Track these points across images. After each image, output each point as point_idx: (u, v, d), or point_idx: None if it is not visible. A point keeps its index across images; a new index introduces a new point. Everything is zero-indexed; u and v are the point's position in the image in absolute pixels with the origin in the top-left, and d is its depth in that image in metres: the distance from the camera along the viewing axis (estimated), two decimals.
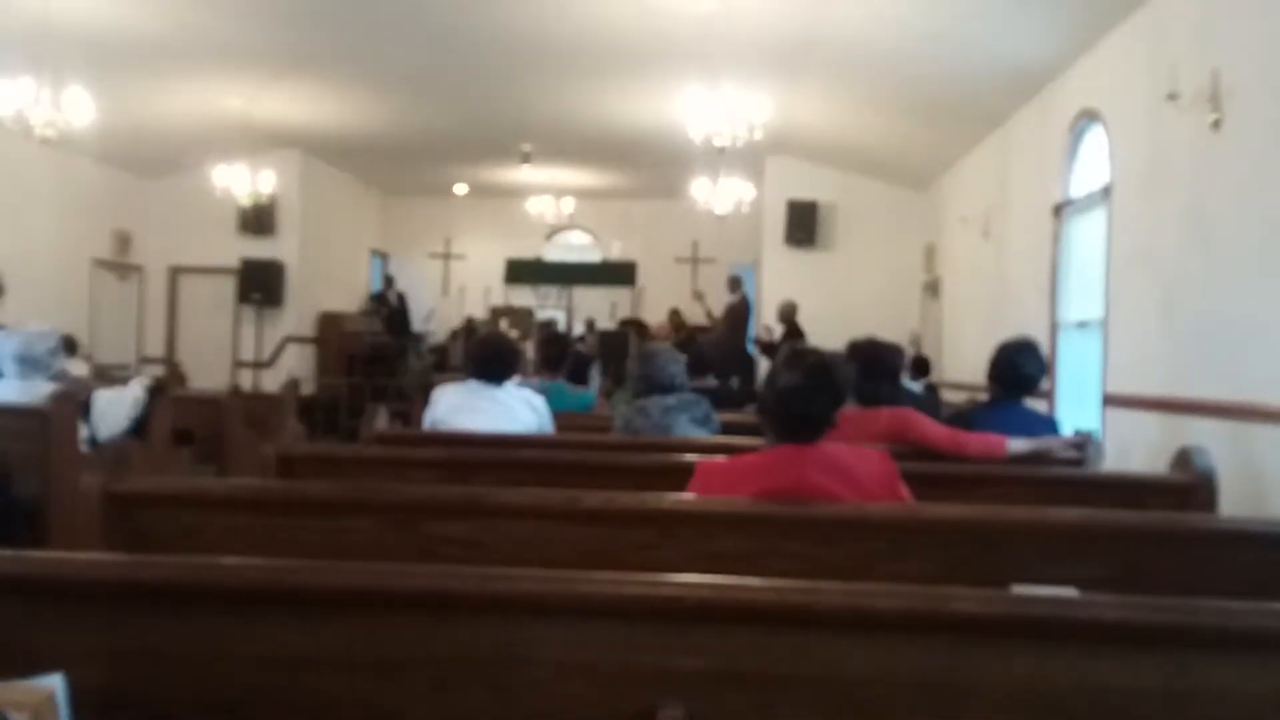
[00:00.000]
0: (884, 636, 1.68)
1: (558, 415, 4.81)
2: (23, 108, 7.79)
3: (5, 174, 10.44)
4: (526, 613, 1.73)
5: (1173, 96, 5.51)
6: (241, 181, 11.82)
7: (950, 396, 9.17)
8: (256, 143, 11.78)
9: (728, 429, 4.57)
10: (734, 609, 1.72)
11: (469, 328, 14.55)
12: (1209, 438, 4.79)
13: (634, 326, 14.61)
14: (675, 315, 14.51)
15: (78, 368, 9.14)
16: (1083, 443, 3.85)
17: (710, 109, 7.89)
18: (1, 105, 7.79)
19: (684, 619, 1.71)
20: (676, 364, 4.51)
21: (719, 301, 13.10)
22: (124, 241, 13.01)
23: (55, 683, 1.45)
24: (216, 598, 1.78)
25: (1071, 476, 3.60)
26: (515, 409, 4.48)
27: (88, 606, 1.78)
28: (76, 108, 8.01)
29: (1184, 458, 3.23)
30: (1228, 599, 1.86)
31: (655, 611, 1.71)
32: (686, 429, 4.32)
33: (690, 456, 3.35)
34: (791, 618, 1.70)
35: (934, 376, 10.41)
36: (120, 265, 13.06)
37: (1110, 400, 6.68)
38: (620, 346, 12.56)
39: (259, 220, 13.26)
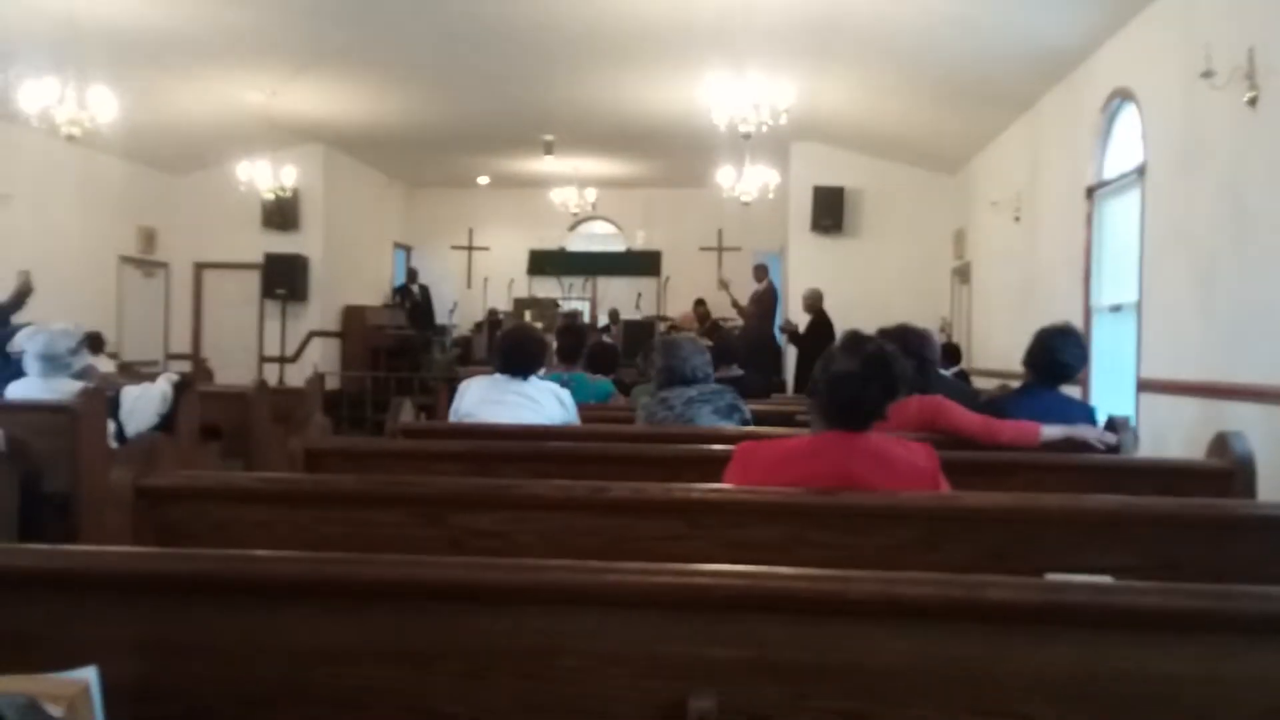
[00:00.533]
0: (918, 625, 1.66)
1: (578, 405, 4.81)
2: (48, 106, 7.83)
3: (31, 172, 10.53)
4: (558, 603, 1.72)
5: (1207, 74, 5.43)
6: (264, 176, 11.87)
7: (981, 384, 9.10)
8: (279, 137, 11.84)
9: (756, 419, 4.54)
10: (765, 598, 1.70)
11: (492, 320, 14.57)
12: (1247, 422, 4.73)
13: (659, 319, 14.60)
14: (700, 305, 14.48)
15: (105, 364, 9.20)
16: (1119, 429, 3.80)
17: (734, 96, 7.84)
18: (27, 104, 7.85)
19: (715, 608, 1.69)
20: (700, 355, 4.48)
21: (745, 290, 13.04)
22: (149, 238, 13.10)
23: (89, 676, 1.45)
24: (249, 591, 1.78)
25: (1107, 463, 3.56)
26: (542, 402, 4.49)
27: (121, 600, 1.78)
28: (101, 105, 8.06)
29: (1221, 443, 3.18)
30: (1268, 585, 1.84)
31: (686, 601, 1.70)
32: (709, 420, 4.30)
33: (717, 446, 3.34)
34: (823, 606, 1.68)
35: (964, 363, 10.34)
36: (145, 262, 13.15)
37: (1145, 385, 6.61)
38: (645, 338, 12.54)
39: (282, 215, 13.33)
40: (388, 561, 1.81)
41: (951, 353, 9.95)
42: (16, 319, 7.11)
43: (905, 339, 4.26)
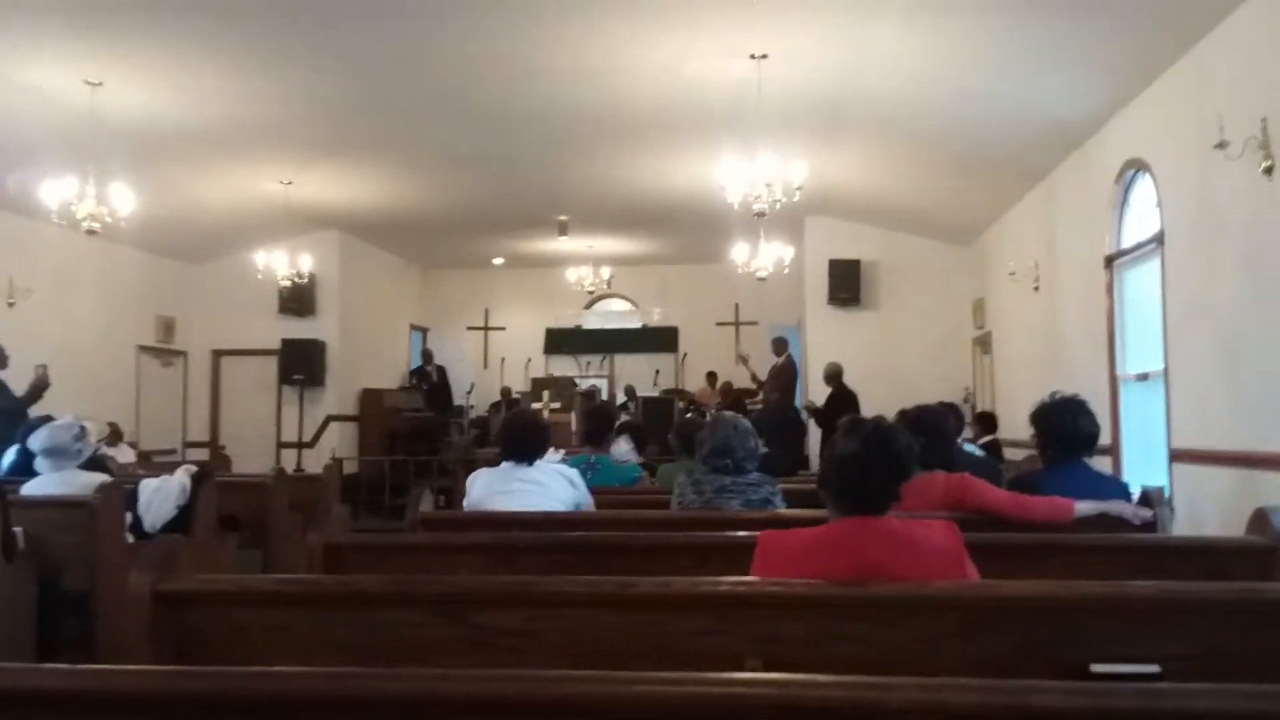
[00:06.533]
0: None
1: (604, 489, 4.74)
2: (68, 202, 7.94)
3: (52, 265, 10.65)
4: (583, 714, 1.66)
5: (1221, 145, 5.43)
6: (281, 263, 11.97)
7: (1007, 453, 9.01)
8: (295, 224, 11.97)
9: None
10: (801, 708, 1.63)
11: (508, 400, 14.55)
12: None
13: (676, 394, 14.55)
14: (712, 377, 14.44)
15: (125, 454, 9.22)
16: (1154, 502, 3.72)
17: (747, 174, 7.88)
18: (47, 200, 7.95)
19: (749, 718, 1.63)
20: (748, 441, 4.30)
21: (764, 364, 13.01)
22: (167, 327, 13.20)
23: None
24: (267, 709, 1.73)
25: (1146, 542, 3.47)
26: (551, 486, 4.48)
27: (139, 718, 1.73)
28: (120, 200, 8.17)
29: (1261, 519, 3.10)
30: None
31: (720, 712, 1.63)
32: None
33: (742, 534, 3.27)
34: (863, 715, 1.61)
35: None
36: (164, 350, 13.23)
37: (1177, 455, 6.51)
38: (664, 415, 12.49)
39: (299, 301, 13.43)
40: (409, 676, 1.75)
41: (986, 421, 9.86)
42: (35, 411, 7.15)
43: (921, 417, 4.22)
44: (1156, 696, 1.63)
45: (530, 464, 4.52)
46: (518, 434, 4.59)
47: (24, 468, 5.47)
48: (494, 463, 4.67)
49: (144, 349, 12.75)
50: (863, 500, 2.56)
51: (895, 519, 2.57)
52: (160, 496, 5.54)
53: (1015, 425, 10.21)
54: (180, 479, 5.74)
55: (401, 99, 8.44)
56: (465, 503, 4.56)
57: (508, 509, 4.34)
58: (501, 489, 4.44)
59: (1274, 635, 2.37)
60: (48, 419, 5.93)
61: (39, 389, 7.60)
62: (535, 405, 12.15)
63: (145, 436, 12.11)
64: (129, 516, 5.33)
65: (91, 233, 8.17)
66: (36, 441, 5.20)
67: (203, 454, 13.00)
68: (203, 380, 13.98)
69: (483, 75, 7.75)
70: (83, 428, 5.46)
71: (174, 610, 2.56)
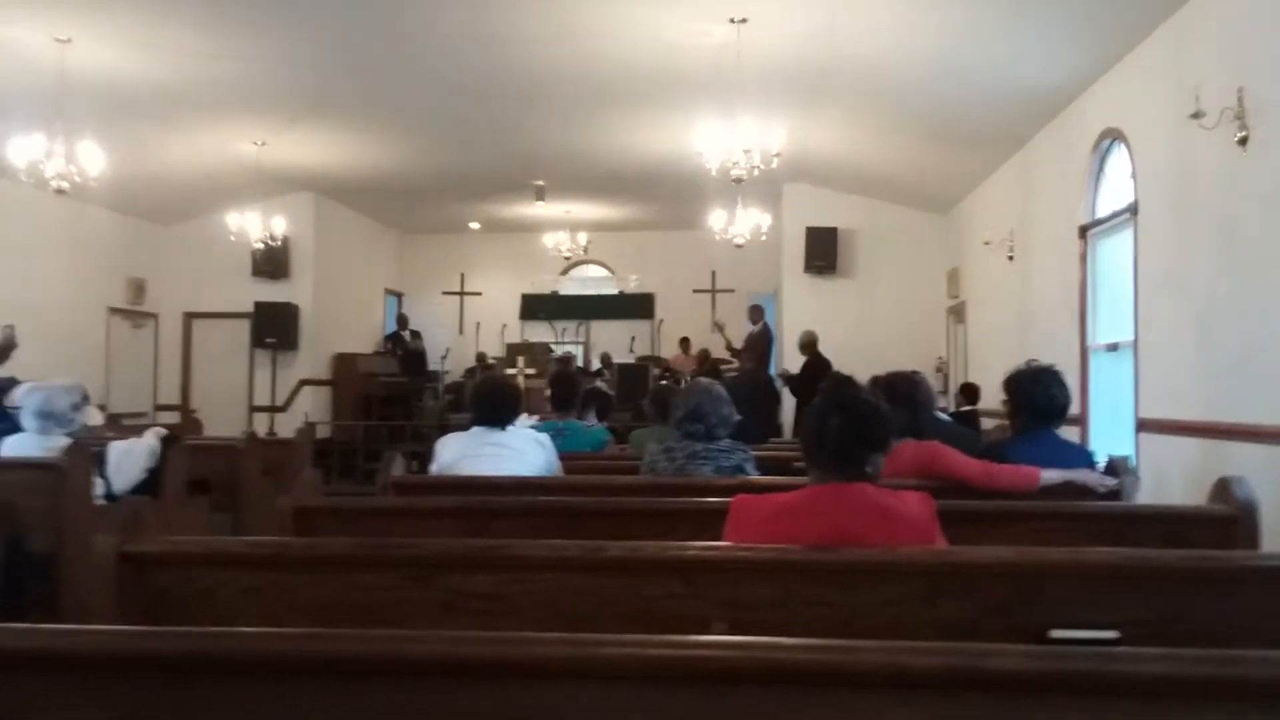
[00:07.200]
0: (923, 696, 1.62)
1: (573, 454, 4.75)
2: (36, 160, 7.84)
3: (20, 225, 10.53)
4: (551, 677, 1.67)
5: (1197, 115, 5.45)
6: (254, 225, 11.87)
7: (983, 424, 9.06)
8: (270, 186, 11.86)
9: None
10: (765, 670, 1.65)
11: (483, 365, 14.54)
12: (1248, 461, 4.70)
13: (652, 361, 14.56)
14: (685, 343, 14.46)
15: (93, 417, 9.13)
16: (1119, 471, 3.77)
17: (726, 140, 7.86)
18: (15, 159, 7.85)
19: (714, 680, 1.64)
20: (722, 408, 4.29)
21: (741, 331, 13.03)
22: (138, 289, 13.09)
23: None
24: (233, 669, 1.73)
25: (1109, 510, 3.51)
26: (522, 450, 4.49)
27: (101, 680, 1.73)
28: (89, 159, 8.07)
29: (1224, 488, 3.14)
30: (1275, 640, 1.76)
31: (684, 674, 1.65)
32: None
33: (713, 499, 3.29)
34: (826, 678, 1.63)
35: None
36: (134, 313, 13.12)
37: (1144, 425, 6.58)
38: (639, 382, 12.50)
39: (273, 263, 13.33)
40: (378, 638, 1.75)
41: (969, 392, 9.90)
42: (2, 372, 7.07)
43: (894, 385, 4.24)
44: (1110, 660, 1.65)
45: (502, 428, 4.52)
46: (489, 397, 4.59)
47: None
48: (466, 428, 4.67)
49: (114, 311, 12.64)
50: (837, 466, 2.57)
51: (870, 487, 2.58)
52: (129, 459, 5.48)
53: (986, 395, 10.30)
54: (149, 442, 5.68)
55: (377, 60, 8.35)
56: (433, 467, 4.55)
57: (479, 473, 4.33)
58: (474, 452, 4.44)
59: (1233, 602, 2.41)
60: (13, 381, 5.86)
61: (6, 350, 7.51)
62: (510, 371, 12.15)
63: (115, 399, 12.02)
64: (98, 481, 5.28)
65: (60, 192, 8.08)
66: (32, 401, 5.11)
67: (174, 417, 12.93)
68: (174, 343, 13.88)
69: (459, 38, 7.68)
70: (84, 397, 5.38)
71: (141, 572, 2.55)
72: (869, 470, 2.58)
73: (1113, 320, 7.44)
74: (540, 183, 12.77)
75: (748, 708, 1.62)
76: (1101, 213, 7.64)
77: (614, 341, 16.04)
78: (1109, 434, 7.27)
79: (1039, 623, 2.31)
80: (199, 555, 2.69)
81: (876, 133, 10.16)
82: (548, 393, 6.14)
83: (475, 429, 4.54)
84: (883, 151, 10.82)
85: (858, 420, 2.56)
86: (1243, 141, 5.22)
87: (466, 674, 1.68)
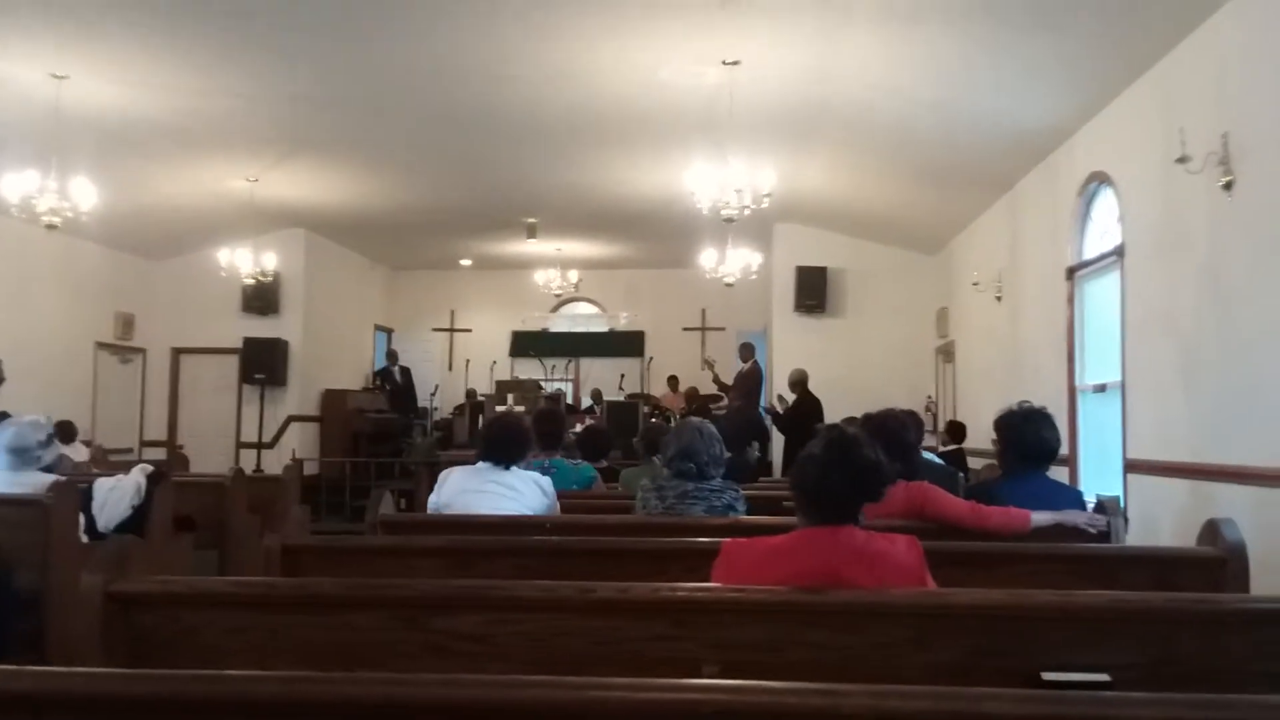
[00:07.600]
0: None
1: (562, 493, 4.74)
2: (29, 196, 7.84)
3: (10, 259, 10.51)
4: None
5: (1183, 160, 5.50)
6: (245, 261, 11.87)
7: (970, 463, 9.07)
8: (261, 223, 11.87)
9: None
10: (755, 714, 1.64)
11: (472, 402, 14.48)
12: (1235, 503, 4.70)
13: (642, 399, 14.54)
14: (673, 382, 14.44)
15: (79, 453, 9.08)
16: (1109, 512, 3.77)
17: (717, 181, 7.90)
18: (8, 194, 7.85)
19: None
20: (713, 447, 4.29)
21: (731, 369, 13.05)
22: (127, 324, 13.06)
23: None
24: (220, 712, 1.71)
25: (1099, 552, 3.52)
26: (523, 491, 4.44)
27: None
28: (81, 195, 8.07)
29: (1212, 530, 3.15)
30: (1264, 681, 1.74)
31: (675, 718, 1.64)
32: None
33: (703, 540, 3.28)
34: None
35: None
36: (122, 348, 13.07)
37: (1132, 466, 6.59)
38: (629, 419, 12.47)
39: (262, 299, 13.31)
40: (365, 681, 1.74)
41: (955, 431, 9.91)
42: None
43: (885, 425, 4.24)
44: (1104, 704, 1.65)
45: (507, 468, 4.49)
46: (500, 436, 4.56)
47: None
48: (462, 464, 4.64)
49: (102, 345, 12.60)
50: (828, 511, 2.57)
51: (859, 530, 2.59)
52: (115, 496, 5.46)
53: (975, 434, 10.31)
54: (135, 478, 5.66)
55: (370, 98, 8.39)
56: (431, 499, 4.51)
57: (478, 510, 4.30)
58: (474, 488, 4.40)
59: (1223, 645, 2.40)
60: (2, 415, 5.83)
61: None
62: (499, 408, 12.11)
63: (102, 434, 11.95)
64: (83, 518, 5.25)
65: (51, 227, 8.07)
66: (2, 437, 5.10)
67: (160, 453, 12.86)
68: (162, 378, 13.82)
69: (452, 75, 7.73)
70: (51, 434, 5.36)
71: (126, 611, 2.53)
72: (859, 517, 2.59)
73: (1100, 361, 7.47)
74: (532, 220, 12.80)
75: None
76: (1089, 255, 7.69)
77: (604, 379, 16.00)
78: (1097, 475, 7.28)
79: (1030, 665, 2.31)
80: (186, 595, 2.66)
81: (866, 173, 10.22)
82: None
83: (481, 464, 4.50)
84: (872, 192, 10.88)
85: (860, 476, 2.57)
86: (1228, 186, 5.27)
87: (456, 717, 1.67)
